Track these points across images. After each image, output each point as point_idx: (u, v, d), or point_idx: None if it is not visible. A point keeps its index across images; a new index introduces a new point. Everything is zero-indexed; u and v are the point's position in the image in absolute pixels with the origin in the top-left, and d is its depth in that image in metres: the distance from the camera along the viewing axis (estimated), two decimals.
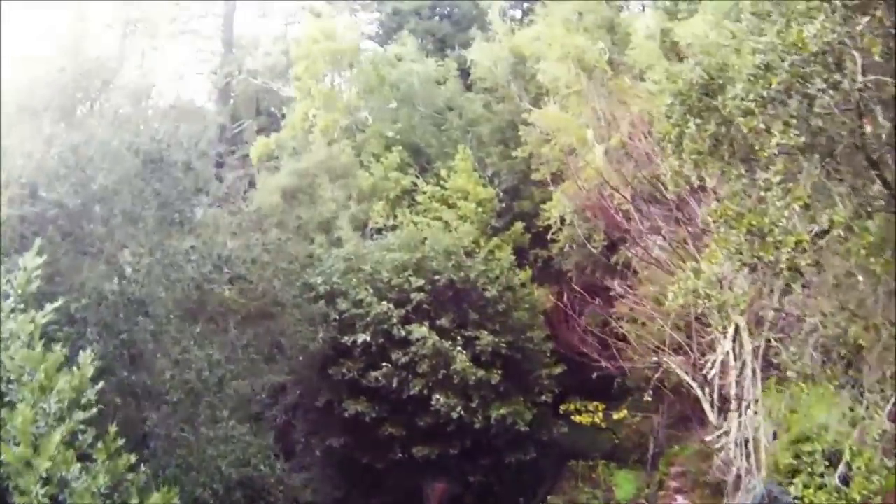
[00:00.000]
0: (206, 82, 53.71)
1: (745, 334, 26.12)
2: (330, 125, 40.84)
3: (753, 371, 26.72)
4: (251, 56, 48.36)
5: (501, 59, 42.33)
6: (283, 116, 44.66)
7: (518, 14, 49.97)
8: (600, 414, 36.37)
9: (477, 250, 33.58)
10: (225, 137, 51.26)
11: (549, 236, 39.39)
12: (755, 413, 26.95)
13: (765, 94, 14.26)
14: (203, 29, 54.32)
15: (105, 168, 23.17)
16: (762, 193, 15.00)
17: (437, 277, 31.56)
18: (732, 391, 28.18)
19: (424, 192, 39.49)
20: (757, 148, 15.05)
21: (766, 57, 14.29)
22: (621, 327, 35.90)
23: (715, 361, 25.74)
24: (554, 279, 40.37)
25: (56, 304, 15.72)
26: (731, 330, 26.85)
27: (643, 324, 35.05)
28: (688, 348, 30.43)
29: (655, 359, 30.07)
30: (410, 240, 32.35)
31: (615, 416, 36.15)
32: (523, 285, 34.04)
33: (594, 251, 37.75)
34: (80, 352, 15.30)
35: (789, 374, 16.94)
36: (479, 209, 38.12)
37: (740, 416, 27.49)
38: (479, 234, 38.38)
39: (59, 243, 22.19)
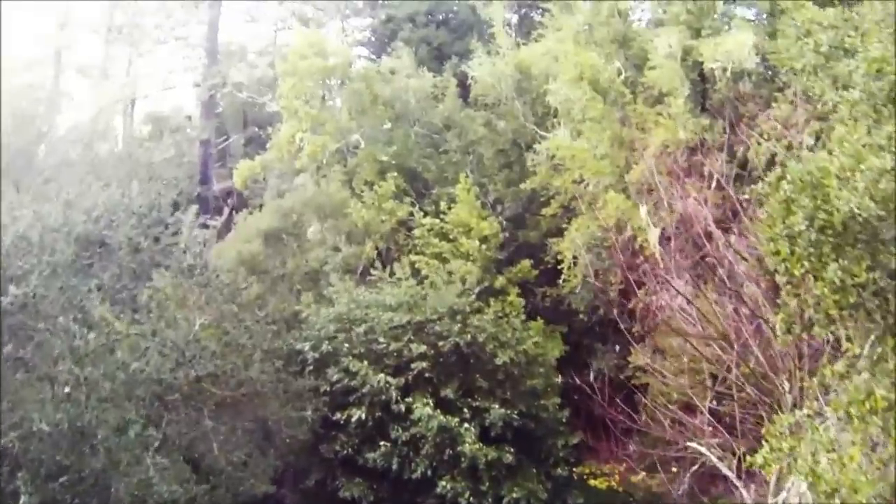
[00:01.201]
0: (194, 91, 47.74)
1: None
2: (318, 150, 35.15)
3: None
4: (236, 68, 42.44)
5: (505, 75, 36.67)
6: (270, 137, 38.95)
7: (524, 25, 43.93)
8: (617, 477, 31.19)
9: (486, 309, 28.03)
10: (209, 153, 45.49)
11: (560, 276, 34.11)
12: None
13: None
14: (188, 36, 48.30)
15: (25, 264, 17.34)
16: None
17: (440, 343, 26.12)
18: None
19: (423, 225, 34.00)
20: None
21: None
22: (638, 377, 30.87)
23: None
24: (563, 318, 35.04)
25: None
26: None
27: (663, 380, 29.95)
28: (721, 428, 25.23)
29: (685, 444, 24.80)
30: (409, 297, 26.82)
31: (633, 479, 30.99)
32: (536, 343, 28.57)
33: (610, 294, 32.50)
34: None
35: None
36: (483, 246, 32.67)
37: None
38: (483, 274, 33.01)
39: None
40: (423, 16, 47.03)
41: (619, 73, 33.27)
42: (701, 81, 33.80)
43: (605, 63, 33.28)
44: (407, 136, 36.88)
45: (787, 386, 21.16)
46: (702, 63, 32.69)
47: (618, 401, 33.00)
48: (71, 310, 17.35)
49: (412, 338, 25.98)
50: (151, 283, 20.65)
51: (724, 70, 30.59)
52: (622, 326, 34.04)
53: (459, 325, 26.41)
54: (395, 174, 35.29)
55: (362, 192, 35.04)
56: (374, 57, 52.31)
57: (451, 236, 33.24)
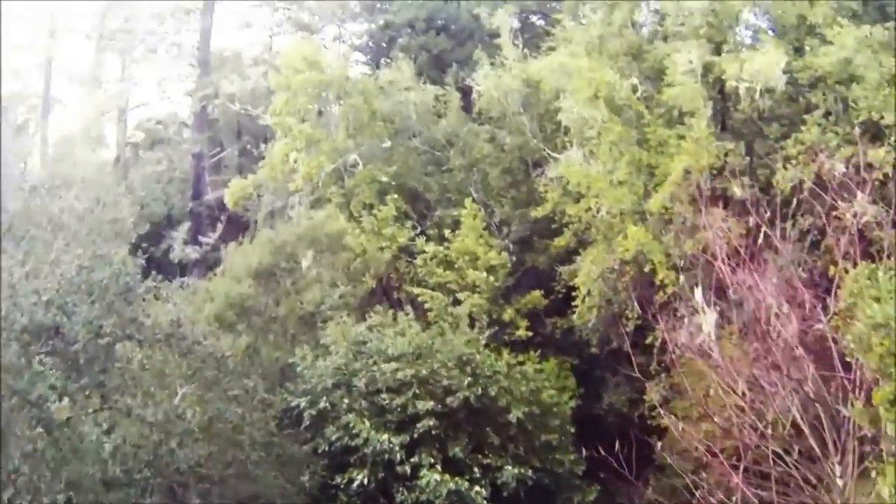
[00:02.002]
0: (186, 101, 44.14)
1: None
2: (313, 171, 31.82)
3: None
4: (227, 79, 38.91)
5: (512, 89, 33.30)
6: (263, 156, 35.55)
7: (526, 30, 40.34)
8: None
9: (499, 361, 24.79)
10: (202, 166, 42.02)
11: (570, 304, 30.95)
12: None
13: None
14: (181, 43, 44.60)
15: None
16: None
17: (449, 398, 22.96)
18: None
19: (425, 252, 30.78)
20: None
21: None
22: (654, 417, 27.83)
23: None
24: (573, 348, 31.91)
25: None
26: None
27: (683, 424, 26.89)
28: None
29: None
30: (413, 347, 23.59)
31: None
32: (551, 395, 25.39)
33: (625, 327, 29.38)
34: None
35: None
36: (490, 277, 29.46)
37: None
38: (490, 305, 29.85)
39: None
40: (422, 22, 43.38)
41: (635, 90, 30.00)
42: (721, 99, 30.56)
43: (619, 78, 30.02)
44: (407, 155, 33.54)
45: (837, 470, 18.17)
46: (723, 80, 29.49)
47: (632, 436, 30.43)
48: (22, 414, 14.12)
49: (417, 392, 22.79)
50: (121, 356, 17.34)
51: (752, 91, 27.33)
52: (637, 361, 31.24)
53: (470, 377, 23.21)
54: (396, 196, 32.01)
55: (360, 216, 31.79)
56: (370, 63, 49.04)
57: (456, 265, 30.07)
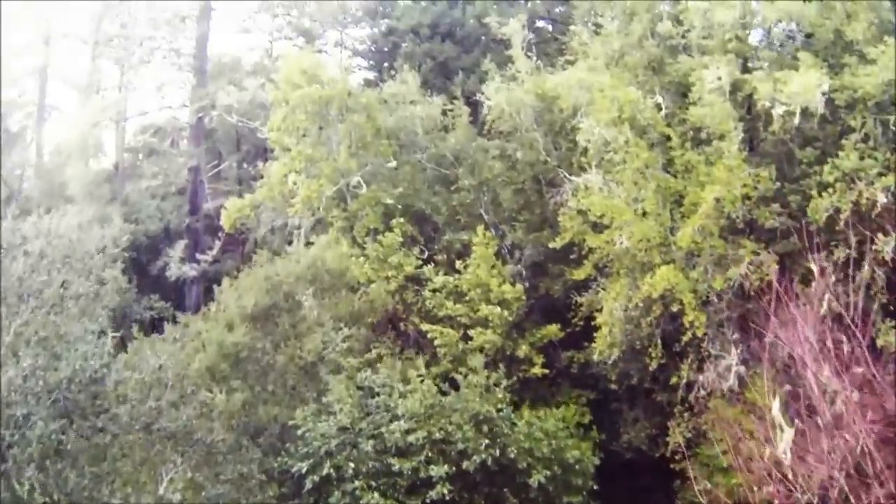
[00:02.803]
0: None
1: None
2: (314, 195, 28.78)
3: None
4: (224, 91, 35.70)
5: (525, 104, 30.19)
6: (261, 175, 32.48)
7: (536, 34, 36.99)
8: None
9: (518, 418, 21.84)
10: (199, 180, 38.91)
11: (588, 335, 28.02)
12: None
13: None
14: (179, 48, 41.21)
15: None
16: None
17: (465, 462, 20.05)
18: None
19: (433, 282, 27.80)
20: None
21: None
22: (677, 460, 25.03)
23: None
24: (589, 382, 28.99)
25: None
26: None
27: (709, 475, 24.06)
28: None
29: None
30: (425, 407, 20.61)
31: None
32: (575, 453, 22.43)
33: (648, 365, 26.45)
34: None
35: None
36: (504, 312, 26.52)
37: None
38: (504, 340, 26.92)
39: None
40: (426, 28, 40.09)
41: (659, 109, 26.90)
42: (749, 118, 27.43)
43: (641, 94, 26.89)
44: (414, 174, 30.39)
45: None
46: (752, 97, 26.38)
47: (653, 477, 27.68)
48: None
49: (430, 455, 19.88)
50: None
51: (790, 113, 24.20)
52: (658, 399, 28.34)
53: (487, 438, 20.29)
54: (401, 220, 28.97)
55: (364, 242, 28.77)
56: (373, 68, 45.87)
57: (467, 297, 27.10)
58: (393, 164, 29.65)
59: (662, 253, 24.66)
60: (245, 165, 41.72)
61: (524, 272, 29.75)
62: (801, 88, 23.78)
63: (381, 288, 26.16)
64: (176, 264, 36.76)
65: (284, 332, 22.65)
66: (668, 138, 25.96)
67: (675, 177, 25.88)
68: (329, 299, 23.57)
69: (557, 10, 41.40)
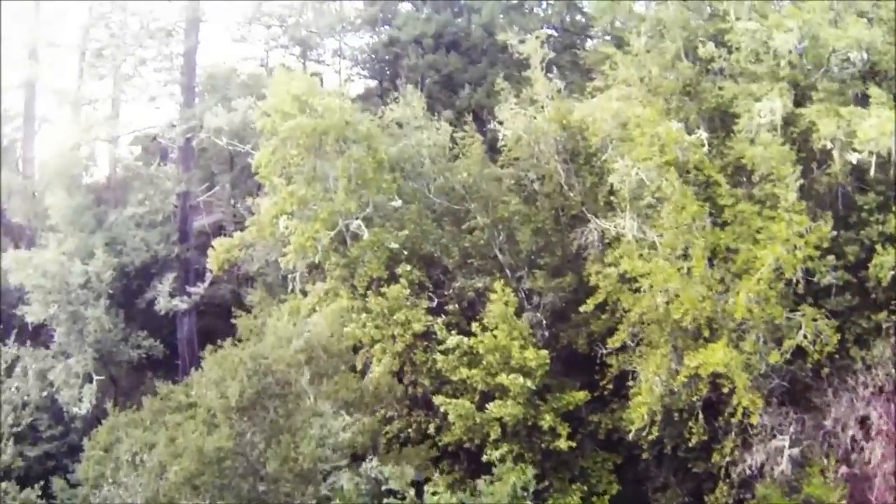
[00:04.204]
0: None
1: None
2: (308, 244, 23.83)
3: None
4: (211, 112, 30.51)
5: (546, 133, 25.13)
6: (250, 212, 27.46)
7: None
8: None
9: None
10: (189, 206, 33.81)
11: (615, 392, 23.24)
12: None
13: None
14: (172, 60, 35.82)
15: None
16: None
17: None
18: None
19: (444, 344, 22.94)
20: None
21: None
22: None
23: None
24: (617, 446, 24.20)
25: None
26: None
27: None
28: None
29: None
30: None
31: None
32: None
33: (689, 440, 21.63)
34: None
35: None
36: (527, 382, 21.70)
37: None
38: (525, 409, 22.09)
39: None
40: (429, 38, 34.85)
41: (703, 144, 21.79)
42: (801, 156, 22.31)
43: (682, 128, 21.81)
44: (420, 213, 25.32)
45: None
46: (811, 135, 21.28)
47: None
48: None
49: None
50: None
51: (865, 163, 19.15)
52: (696, 470, 23.56)
53: None
54: (408, 267, 24.04)
55: (366, 294, 23.84)
56: (373, 79, 40.64)
57: (483, 362, 22.26)
58: (398, 203, 24.57)
59: (711, 320, 19.74)
60: (240, 185, 36.55)
61: (544, 321, 24.88)
62: (877, 132, 18.68)
63: (386, 369, 21.24)
64: (165, 298, 31.84)
65: (276, 424, 17.78)
66: (716, 183, 20.88)
67: (723, 227, 20.87)
68: (327, 383, 18.62)
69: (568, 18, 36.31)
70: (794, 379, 21.53)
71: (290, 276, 25.36)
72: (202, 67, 35.37)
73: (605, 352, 22.96)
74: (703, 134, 21.39)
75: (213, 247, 26.88)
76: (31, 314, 29.85)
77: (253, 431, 17.82)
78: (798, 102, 21.93)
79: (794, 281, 19.59)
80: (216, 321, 35.36)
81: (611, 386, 22.76)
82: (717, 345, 18.74)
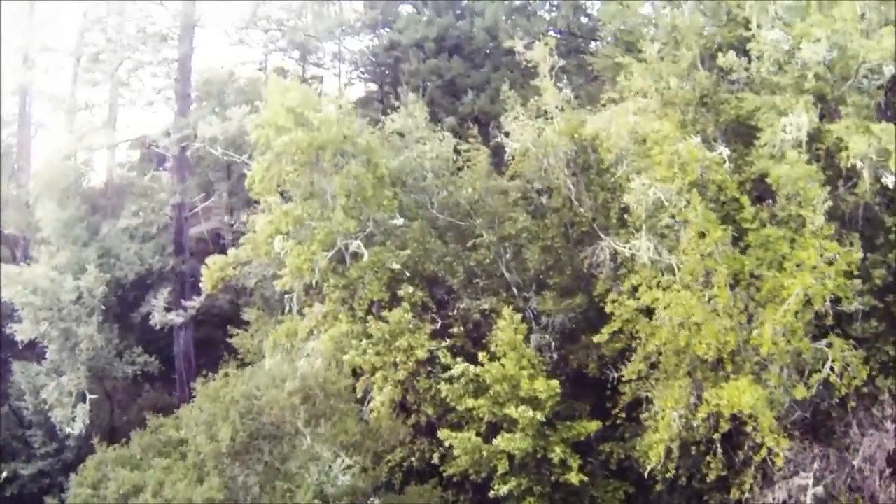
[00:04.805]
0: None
1: None
2: (305, 266, 22.05)
3: None
4: (205, 121, 28.64)
5: (555, 145, 23.32)
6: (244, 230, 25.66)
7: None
8: None
9: None
10: (184, 217, 31.98)
11: (628, 418, 21.49)
12: None
13: None
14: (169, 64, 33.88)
15: None
16: None
17: None
18: None
19: (449, 371, 21.21)
20: None
21: None
22: None
23: None
24: (627, 473, 22.43)
25: None
26: None
27: None
28: None
29: None
30: None
31: None
32: None
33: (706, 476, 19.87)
34: None
35: None
36: (537, 415, 19.97)
37: None
38: (534, 441, 20.36)
39: None
40: (431, 42, 32.96)
41: (724, 162, 19.94)
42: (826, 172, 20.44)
43: (698, 140, 19.96)
44: (424, 232, 23.48)
45: None
46: (837, 152, 19.43)
47: None
48: None
49: None
50: None
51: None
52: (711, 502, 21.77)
53: None
54: (411, 289, 22.28)
55: (366, 318, 22.07)
56: (373, 82, 38.79)
57: (490, 391, 20.53)
58: (399, 221, 22.75)
59: (734, 354, 17.96)
60: (238, 193, 34.66)
61: (553, 343, 23.11)
62: None
63: (388, 398, 19.50)
64: (160, 312, 30.11)
65: (271, 468, 16.06)
66: (740, 205, 19.03)
67: (745, 251, 19.04)
68: (325, 425, 16.88)
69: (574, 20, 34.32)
70: (816, 411, 19.78)
71: (286, 297, 23.59)
72: (199, 72, 33.56)
73: (616, 375, 21.19)
74: (724, 151, 19.52)
75: (206, 265, 25.13)
76: (21, 332, 28.20)
77: (246, 474, 16.11)
78: (822, 116, 20.06)
79: (823, 311, 17.76)
80: (215, 331, 33.67)
81: (623, 414, 21.01)
82: (741, 382, 16.95)
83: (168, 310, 30.08)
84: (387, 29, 35.55)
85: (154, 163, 35.65)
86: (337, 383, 17.43)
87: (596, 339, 20.30)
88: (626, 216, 21.42)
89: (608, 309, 19.87)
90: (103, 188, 37.60)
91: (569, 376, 23.05)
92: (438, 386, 20.92)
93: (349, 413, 17.36)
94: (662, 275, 19.36)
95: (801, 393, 17.70)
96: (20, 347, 29.40)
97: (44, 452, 29.64)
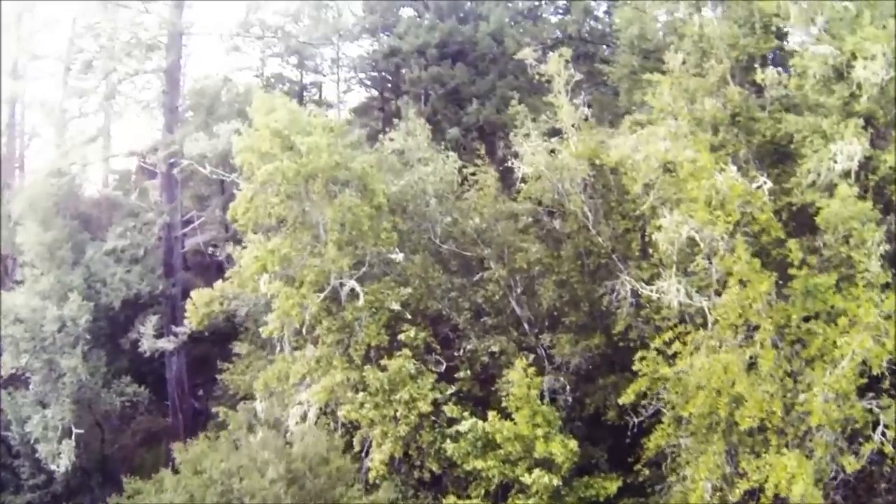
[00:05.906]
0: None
1: None
2: (294, 311, 19.21)
3: None
4: (191, 139, 25.72)
5: (571, 168, 20.36)
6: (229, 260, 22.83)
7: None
8: None
9: None
10: (173, 238, 29.14)
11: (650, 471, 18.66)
12: None
13: None
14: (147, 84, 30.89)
15: None
16: None
17: None
18: None
19: (456, 427, 18.45)
20: None
21: None
22: None
23: None
24: None
25: None
26: None
27: None
28: None
29: None
30: None
31: None
32: None
33: None
34: None
35: None
36: (553, 479, 17.19)
37: None
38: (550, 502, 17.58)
39: None
40: (433, 48, 29.88)
41: (765, 195, 16.93)
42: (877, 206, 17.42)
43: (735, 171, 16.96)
44: (427, 268, 20.54)
45: None
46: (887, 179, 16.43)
47: None
48: None
49: None
50: None
51: None
52: None
53: None
54: (412, 332, 19.43)
55: (363, 365, 19.25)
56: (374, 88, 35.74)
57: (500, 450, 17.74)
58: (399, 257, 19.82)
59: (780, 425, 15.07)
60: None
61: (567, 385, 20.27)
62: None
63: (387, 456, 16.74)
64: (149, 339, 27.31)
65: None
66: (787, 249, 16.04)
67: (788, 299, 16.08)
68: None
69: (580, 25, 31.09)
70: (859, 477, 16.92)
71: (276, 337, 20.77)
72: (193, 80, 30.62)
73: (637, 421, 18.31)
74: (766, 183, 16.53)
75: (191, 298, 22.31)
76: (2, 364, 25.55)
77: None
78: (872, 142, 17.04)
79: (882, 375, 14.88)
80: (211, 349, 31.13)
81: (647, 471, 18.20)
82: (789, 459, 14.07)
83: (159, 336, 27.33)
84: (387, 34, 32.48)
85: (146, 175, 32.87)
86: (330, 464, 14.61)
87: (621, 401, 17.36)
88: (649, 248, 18.52)
89: (635, 367, 16.93)
90: (94, 202, 34.86)
91: (584, 420, 20.32)
92: (444, 444, 18.09)
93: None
94: (692, 323, 16.43)
95: (851, 466, 14.82)
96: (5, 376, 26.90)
97: (32, 484, 27.16)
